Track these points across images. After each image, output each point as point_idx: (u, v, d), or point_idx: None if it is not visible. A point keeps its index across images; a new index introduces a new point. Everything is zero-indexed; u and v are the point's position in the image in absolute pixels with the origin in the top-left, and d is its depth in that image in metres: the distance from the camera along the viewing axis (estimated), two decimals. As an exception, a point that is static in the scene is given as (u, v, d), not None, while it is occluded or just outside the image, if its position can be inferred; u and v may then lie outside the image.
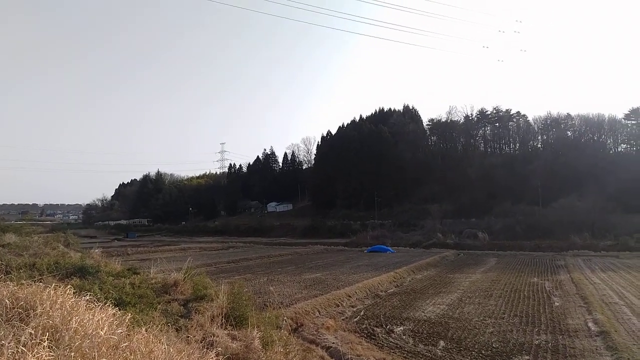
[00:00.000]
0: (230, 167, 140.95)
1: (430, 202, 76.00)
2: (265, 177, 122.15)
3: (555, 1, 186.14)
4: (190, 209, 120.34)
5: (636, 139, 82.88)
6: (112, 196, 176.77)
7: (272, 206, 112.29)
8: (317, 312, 14.26)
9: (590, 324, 12.57)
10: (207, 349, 6.09)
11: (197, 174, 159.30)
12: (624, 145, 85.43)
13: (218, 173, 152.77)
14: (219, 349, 6.63)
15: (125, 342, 4.64)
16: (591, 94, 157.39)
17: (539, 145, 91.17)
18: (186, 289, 12.11)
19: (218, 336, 8.05)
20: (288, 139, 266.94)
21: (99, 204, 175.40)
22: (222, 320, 9.38)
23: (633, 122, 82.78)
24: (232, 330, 9.02)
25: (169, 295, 11.61)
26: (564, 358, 9.61)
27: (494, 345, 10.59)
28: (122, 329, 5.25)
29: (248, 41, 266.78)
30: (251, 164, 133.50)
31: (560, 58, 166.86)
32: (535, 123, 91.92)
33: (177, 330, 7.66)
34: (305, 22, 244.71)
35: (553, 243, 46.13)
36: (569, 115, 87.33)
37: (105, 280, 11.42)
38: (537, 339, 11.12)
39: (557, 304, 16.09)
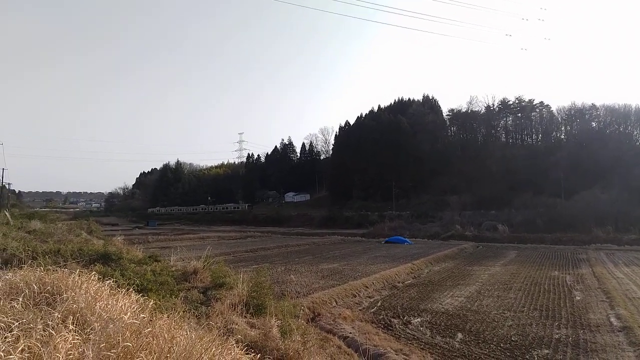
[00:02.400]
0: (248, 157, 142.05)
1: (449, 194, 75.27)
2: (283, 167, 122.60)
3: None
4: (209, 198, 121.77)
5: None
6: (133, 185, 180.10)
7: (289, 196, 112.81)
8: (334, 302, 14.33)
9: (612, 319, 12.33)
10: (228, 336, 6.18)
11: (216, 164, 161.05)
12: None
13: (236, 163, 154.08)
14: (239, 336, 6.72)
15: (148, 328, 4.74)
16: (617, 83, 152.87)
17: (562, 137, 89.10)
18: (205, 277, 12.31)
19: (237, 324, 8.17)
20: (306, 129, 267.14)
21: (121, 192, 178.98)
22: (241, 308, 9.52)
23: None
24: (250, 318, 9.14)
25: (189, 282, 11.82)
26: (584, 353, 9.47)
27: (512, 339, 10.49)
28: (144, 315, 5.36)
29: (263, 30, 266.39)
30: (269, 154, 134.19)
31: (586, 46, 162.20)
32: (558, 114, 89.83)
33: (197, 317, 7.80)
34: (320, 9, 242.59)
35: (575, 236, 45.25)
36: (593, 105, 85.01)
37: (127, 267, 11.69)
38: (557, 333, 10.97)
39: (578, 298, 15.82)
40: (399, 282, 19.57)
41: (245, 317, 9.21)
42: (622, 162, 66.31)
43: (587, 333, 11.00)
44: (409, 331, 11.31)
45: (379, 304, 14.74)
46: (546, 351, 9.59)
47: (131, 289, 7.10)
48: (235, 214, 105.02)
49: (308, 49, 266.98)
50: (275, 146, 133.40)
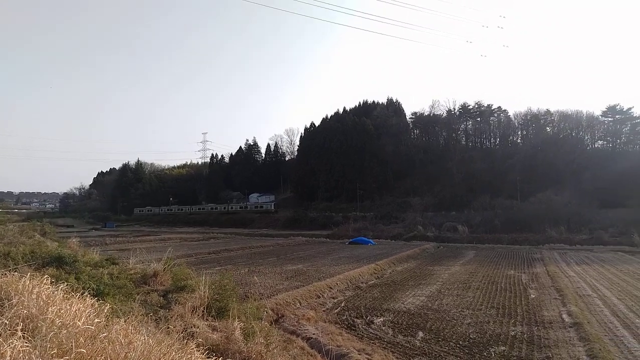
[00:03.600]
0: (212, 157, 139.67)
1: (412, 195, 76.96)
2: (248, 168, 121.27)
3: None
4: (171, 199, 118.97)
5: (612, 135, 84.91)
6: (90, 185, 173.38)
7: (254, 197, 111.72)
8: (299, 303, 14.31)
9: (564, 316, 12.90)
10: (188, 340, 6.04)
11: (179, 164, 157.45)
12: (600, 142, 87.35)
13: (200, 163, 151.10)
14: (200, 339, 6.59)
15: (103, 333, 4.57)
16: (570, 90, 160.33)
17: (519, 141, 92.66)
18: (166, 280, 12.02)
19: (198, 327, 8.01)
20: (272, 130, 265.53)
21: (77, 192, 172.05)
22: (203, 311, 9.34)
23: (610, 119, 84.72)
24: (213, 321, 8.98)
25: (149, 286, 11.51)
26: (538, 349, 9.85)
27: (471, 336, 10.79)
28: (100, 320, 5.17)
29: (225, 31, 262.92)
30: (233, 154, 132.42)
31: (541, 54, 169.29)
32: (515, 118, 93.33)
33: (156, 321, 7.59)
34: (283, 9, 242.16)
35: (530, 236, 47.07)
36: (548, 111, 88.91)
37: (82, 270, 11.25)
38: (513, 330, 11.38)
39: (532, 296, 16.46)
40: (362, 283, 19.76)
41: (207, 320, 9.05)
42: (574, 165, 69.80)
43: (541, 329, 11.45)
44: (372, 331, 11.43)
45: (342, 305, 14.82)
46: (503, 348, 9.91)
47: (86, 293, 6.84)
48: (199, 215, 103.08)
49: (272, 50, 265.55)
50: (240, 147, 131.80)
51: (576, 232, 47.50)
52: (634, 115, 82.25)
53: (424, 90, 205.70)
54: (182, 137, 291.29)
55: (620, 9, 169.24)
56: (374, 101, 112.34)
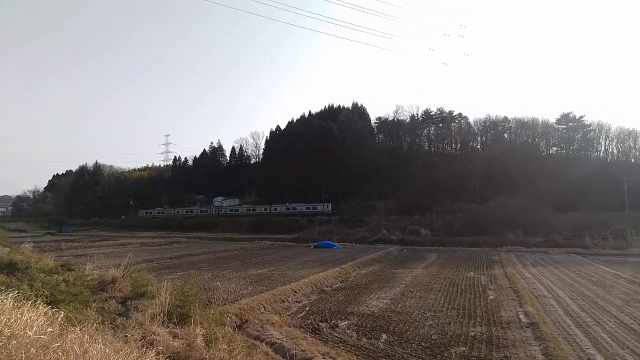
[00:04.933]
0: (175, 160, 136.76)
1: (376, 199, 78.01)
2: (212, 171, 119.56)
3: (496, 8, 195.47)
4: (132, 202, 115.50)
5: (566, 142, 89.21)
6: (44, 188, 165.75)
7: (218, 201, 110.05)
8: (263, 308, 14.19)
9: (521, 316, 13.36)
10: (147, 348, 5.87)
11: (140, 167, 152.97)
12: (555, 148, 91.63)
13: (162, 166, 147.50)
14: (160, 347, 6.41)
15: (57, 342, 4.37)
16: (527, 98, 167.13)
17: (478, 147, 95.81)
18: (125, 286, 11.63)
19: (159, 335, 7.79)
20: (237, 133, 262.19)
21: (30, 195, 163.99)
22: (163, 318, 9.10)
23: (563, 126, 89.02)
24: (174, 328, 8.77)
25: (107, 292, 11.11)
26: (497, 348, 10.15)
27: (432, 337, 11.01)
28: (54, 329, 4.94)
29: (178, 29, 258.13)
30: (197, 157, 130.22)
31: (500, 63, 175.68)
32: (475, 125, 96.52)
33: (114, 329, 7.33)
34: (242, 10, 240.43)
35: (489, 239, 48.59)
36: (505, 118, 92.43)
37: (36, 277, 10.71)
38: (472, 331, 11.69)
39: (491, 297, 16.98)
40: (327, 286, 19.80)
41: (168, 327, 8.82)
42: (530, 170, 72.88)
43: (499, 330, 11.82)
44: (336, 334, 11.47)
45: (307, 309, 14.80)
46: (463, 348, 10.16)
47: (39, 301, 6.52)
48: (160, 219, 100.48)
49: (231, 51, 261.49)
50: (204, 149, 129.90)
51: (532, 235, 49.46)
52: (585, 123, 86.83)
53: (388, 96, 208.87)
54: (144, 139, 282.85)
55: (575, 22, 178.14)
56: (339, 105, 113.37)
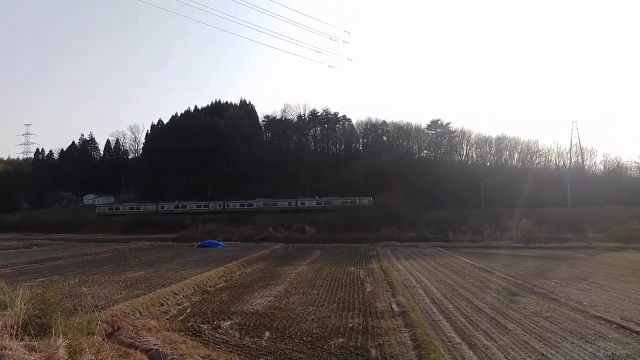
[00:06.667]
0: (37, 153, 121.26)
1: (264, 197, 78.15)
2: (82, 166, 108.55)
3: (377, 17, 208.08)
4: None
5: (435, 146, 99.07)
6: None
7: (89, 198, 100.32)
8: (139, 313, 13.31)
9: (394, 306, 14.42)
10: (-5, 366, 5.15)
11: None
12: (425, 151, 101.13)
13: (21, 159, 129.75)
14: (12, 364, 5.67)
15: None
16: (403, 104, 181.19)
17: (360, 148, 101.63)
18: (-34, 298, 10.03)
19: (12, 349, 6.86)
20: (114, 125, 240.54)
21: None
22: (17, 330, 8.04)
23: (433, 132, 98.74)
24: (31, 340, 7.78)
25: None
26: (372, 337, 10.83)
27: (314, 331, 11.38)
28: None
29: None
30: (64, 150, 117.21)
31: (379, 69, 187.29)
32: (358, 127, 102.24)
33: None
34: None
35: (368, 235, 51.56)
36: (384, 122, 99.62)
37: None
38: (350, 322, 12.32)
39: (368, 289, 18.08)
40: (210, 287, 19.29)
41: (24, 339, 7.81)
42: (405, 171, 79.48)
43: (374, 320, 12.63)
44: (218, 335, 11.24)
45: (188, 311, 14.26)
46: (342, 340, 10.66)
47: None
48: (18, 219, 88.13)
49: (102, 38, 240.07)
50: (73, 142, 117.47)
51: (405, 231, 53.87)
52: (451, 130, 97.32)
53: (276, 94, 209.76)
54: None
55: (446, 33, 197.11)
56: (227, 101, 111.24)
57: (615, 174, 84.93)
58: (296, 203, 76.82)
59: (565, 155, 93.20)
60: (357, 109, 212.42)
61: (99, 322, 10.60)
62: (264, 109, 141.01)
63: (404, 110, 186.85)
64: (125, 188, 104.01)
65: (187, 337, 10.93)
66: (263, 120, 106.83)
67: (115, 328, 11.42)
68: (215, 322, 12.51)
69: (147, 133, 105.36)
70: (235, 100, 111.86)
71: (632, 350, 9.26)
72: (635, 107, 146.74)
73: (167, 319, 13.13)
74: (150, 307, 14.19)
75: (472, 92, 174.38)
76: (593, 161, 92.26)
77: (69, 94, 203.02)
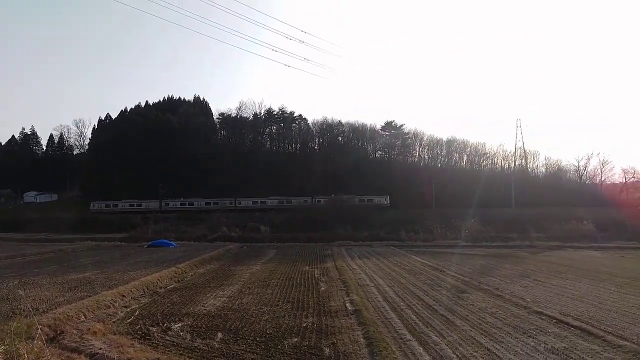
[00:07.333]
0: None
1: (218, 196, 76.78)
2: (22, 162, 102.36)
3: (335, 18, 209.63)
4: None
5: (388, 147, 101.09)
6: None
7: (30, 196, 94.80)
8: (83, 316, 12.67)
9: (347, 305, 14.56)
10: None
11: None
12: (380, 152, 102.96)
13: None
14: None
15: None
16: (358, 105, 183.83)
17: (316, 147, 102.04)
18: None
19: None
20: (57, 120, 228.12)
21: None
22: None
23: (387, 133, 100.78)
24: (-40, 349, 7.25)
25: None
26: (326, 336, 10.88)
27: (268, 332, 11.28)
28: None
29: None
30: (2, 144, 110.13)
31: (337, 70, 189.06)
32: (314, 127, 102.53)
33: None
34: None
35: (323, 234, 51.77)
36: (340, 122, 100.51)
37: None
38: (305, 322, 12.32)
39: (323, 288, 18.15)
40: (161, 288, 18.69)
41: (-49, 349, 7.24)
42: (360, 171, 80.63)
43: (328, 319, 12.69)
44: (169, 338, 10.90)
45: (136, 313, 13.74)
46: (296, 339, 10.64)
47: None
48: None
49: (42, 23, 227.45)
50: (13, 136, 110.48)
51: (359, 230, 54.55)
52: (405, 132, 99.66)
53: (231, 92, 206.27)
54: None
55: (398, 37, 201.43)
56: (180, 97, 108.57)
57: (556, 177, 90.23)
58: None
59: (510, 158, 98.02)
60: (313, 110, 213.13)
61: (39, 326, 10.02)
62: (218, 106, 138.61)
63: (359, 112, 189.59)
64: (69, 185, 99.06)
65: (135, 341, 10.53)
66: (218, 118, 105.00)
67: (58, 332, 10.84)
68: (165, 325, 12.13)
69: (93, 128, 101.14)
70: (189, 96, 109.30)
71: (570, 344, 9.85)
72: (576, 112, 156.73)
73: (114, 322, 12.60)
74: (95, 310, 13.56)
75: (425, 94, 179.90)
76: (536, 164, 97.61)
77: (6, 86, 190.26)
